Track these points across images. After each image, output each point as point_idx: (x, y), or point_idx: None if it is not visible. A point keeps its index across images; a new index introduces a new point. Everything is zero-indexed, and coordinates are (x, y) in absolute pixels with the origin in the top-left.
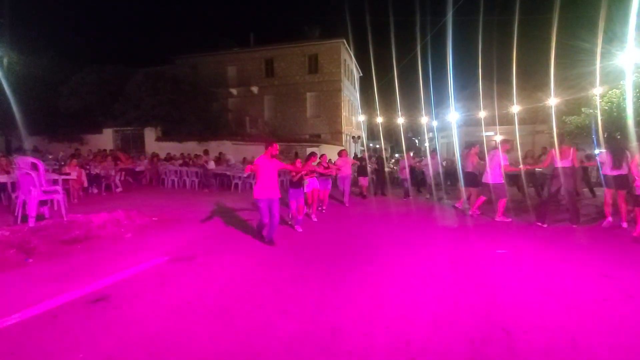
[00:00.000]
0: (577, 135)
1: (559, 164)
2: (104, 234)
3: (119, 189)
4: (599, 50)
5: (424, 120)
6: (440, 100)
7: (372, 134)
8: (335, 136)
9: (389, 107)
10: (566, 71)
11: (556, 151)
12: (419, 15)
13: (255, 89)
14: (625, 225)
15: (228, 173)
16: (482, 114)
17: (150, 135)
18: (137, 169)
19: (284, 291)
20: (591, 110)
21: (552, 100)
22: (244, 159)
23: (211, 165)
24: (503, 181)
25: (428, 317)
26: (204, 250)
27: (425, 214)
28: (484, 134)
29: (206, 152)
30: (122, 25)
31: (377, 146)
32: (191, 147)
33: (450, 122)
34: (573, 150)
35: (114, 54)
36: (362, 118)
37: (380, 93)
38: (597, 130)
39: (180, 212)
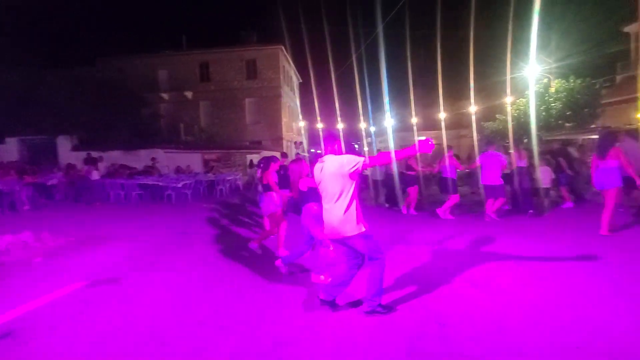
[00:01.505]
0: (493, 138)
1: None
2: (8, 260)
3: (26, 207)
4: (508, 63)
5: (362, 125)
6: (377, 106)
7: (313, 139)
8: (276, 142)
9: (329, 112)
10: (485, 81)
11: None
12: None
13: (189, 94)
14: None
15: (160, 184)
16: (414, 120)
17: (64, 144)
18: (49, 183)
19: (223, 307)
20: (504, 117)
21: (473, 108)
22: (178, 167)
23: (94, 175)
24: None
25: (371, 319)
26: (132, 269)
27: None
28: (417, 138)
29: (91, 160)
30: (33, 23)
31: (319, 151)
32: (117, 156)
33: (387, 127)
34: (523, 151)
35: (23, 54)
36: (302, 124)
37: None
38: (508, 134)
39: (103, 229)
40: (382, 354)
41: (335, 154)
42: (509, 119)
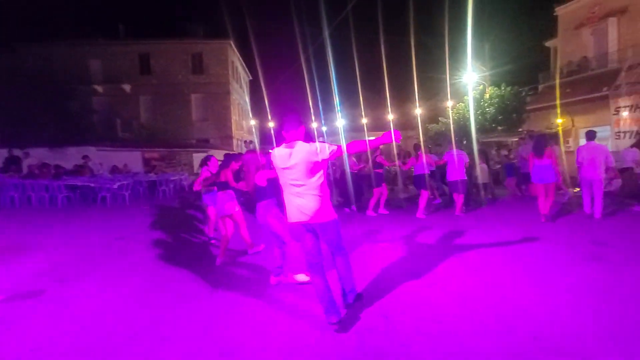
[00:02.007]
0: (437, 139)
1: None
2: None
3: None
4: (447, 71)
5: (314, 125)
6: (329, 107)
7: (265, 138)
8: (225, 141)
9: (280, 111)
10: (430, 85)
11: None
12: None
13: (127, 87)
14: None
15: (92, 185)
16: (364, 120)
17: None
18: None
19: (164, 317)
20: (446, 120)
21: (418, 110)
22: (114, 167)
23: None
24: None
25: (316, 320)
26: (56, 281)
27: None
28: (367, 138)
29: (12, 159)
30: None
31: (270, 151)
32: (42, 154)
33: (338, 127)
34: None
35: None
36: (253, 122)
37: (271, 97)
38: (450, 136)
39: (22, 237)
40: (332, 351)
41: (302, 140)
42: (451, 121)
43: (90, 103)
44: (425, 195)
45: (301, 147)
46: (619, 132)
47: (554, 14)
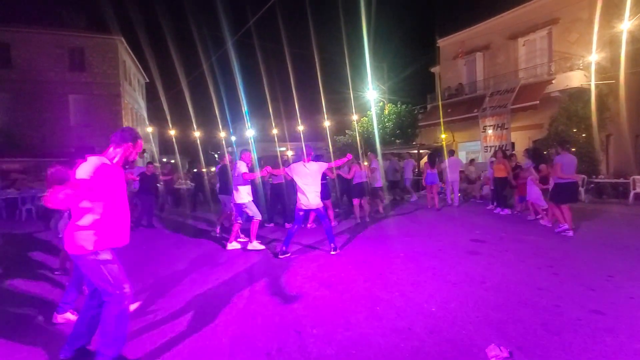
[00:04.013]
0: (345, 150)
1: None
2: None
3: None
4: (351, 90)
5: (222, 134)
6: (238, 116)
7: (165, 147)
8: None
9: (183, 119)
10: (337, 98)
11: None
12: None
13: None
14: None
15: None
16: (275, 131)
17: None
18: None
19: None
20: (352, 132)
21: (326, 123)
22: None
23: None
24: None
25: (226, 338)
26: None
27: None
28: (278, 149)
29: None
30: None
31: (172, 161)
32: None
33: (249, 137)
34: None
35: None
36: (150, 129)
37: (174, 104)
38: (356, 148)
39: None
40: None
41: (310, 161)
42: (357, 134)
43: None
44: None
45: (312, 164)
46: (486, 146)
47: (437, 44)
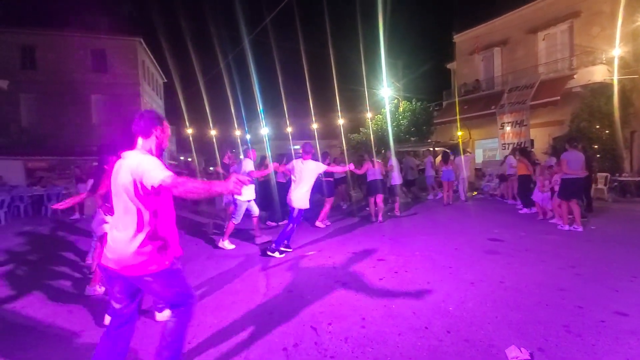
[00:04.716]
0: (359, 148)
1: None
2: None
3: None
4: (365, 84)
5: (237, 133)
6: (252, 115)
7: (183, 146)
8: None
9: (200, 118)
10: (351, 97)
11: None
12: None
13: (4, 84)
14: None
15: None
16: (289, 129)
17: None
18: None
19: None
20: (366, 130)
21: (340, 121)
22: None
23: None
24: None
25: (245, 333)
26: None
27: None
28: (292, 147)
29: None
30: None
31: (189, 159)
32: None
33: (263, 136)
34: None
35: None
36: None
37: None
38: (371, 145)
39: None
40: None
41: (308, 159)
42: (371, 132)
43: None
44: (380, 199)
45: (309, 162)
46: (504, 143)
47: (453, 40)
